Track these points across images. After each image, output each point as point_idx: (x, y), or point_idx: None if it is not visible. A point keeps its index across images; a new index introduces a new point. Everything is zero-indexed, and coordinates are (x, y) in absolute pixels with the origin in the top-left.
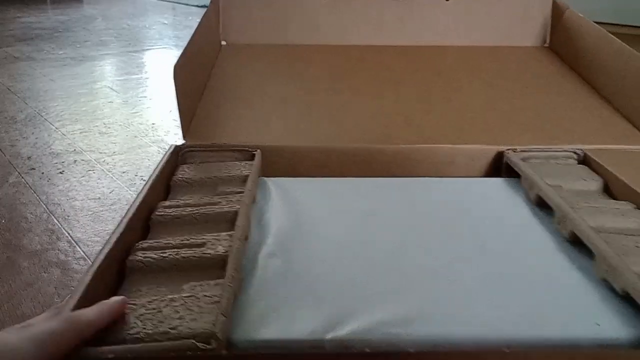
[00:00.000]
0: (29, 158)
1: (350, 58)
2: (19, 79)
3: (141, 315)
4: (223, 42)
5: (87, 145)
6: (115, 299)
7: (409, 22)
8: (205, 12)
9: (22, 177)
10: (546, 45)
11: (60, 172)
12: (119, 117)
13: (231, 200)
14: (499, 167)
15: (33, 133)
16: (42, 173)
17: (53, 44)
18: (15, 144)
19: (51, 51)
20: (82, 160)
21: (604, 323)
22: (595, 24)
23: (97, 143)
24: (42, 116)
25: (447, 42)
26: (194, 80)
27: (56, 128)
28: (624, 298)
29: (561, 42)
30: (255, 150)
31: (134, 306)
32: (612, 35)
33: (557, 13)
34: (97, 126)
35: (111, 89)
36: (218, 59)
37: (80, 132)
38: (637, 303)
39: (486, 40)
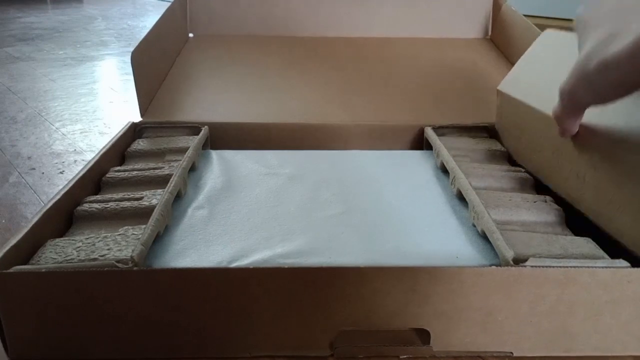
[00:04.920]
0: (29, 158)
1: (303, 48)
2: (19, 79)
3: (78, 247)
4: (190, 34)
5: (88, 145)
6: None
7: (359, 15)
8: (170, 5)
9: (22, 177)
10: (488, 37)
11: (61, 172)
12: (120, 117)
13: (172, 166)
14: (423, 142)
15: (33, 133)
16: (43, 173)
17: (53, 44)
18: (16, 144)
19: (51, 51)
20: (83, 160)
21: (463, 256)
22: (523, 17)
23: (98, 143)
24: (42, 116)
25: (394, 34)
26: (155, 65)
27: (56, 128)
28: (484, 238)
29: (498, 34)
30: (203, 127)
31: (73, 241)
32: (535, 27)
33: (496, 7)
34: (97, 126)
35: (112, 89)
36: (183, 49)
37: (81, 132)
38: (491, 241)
39: (432, 33)
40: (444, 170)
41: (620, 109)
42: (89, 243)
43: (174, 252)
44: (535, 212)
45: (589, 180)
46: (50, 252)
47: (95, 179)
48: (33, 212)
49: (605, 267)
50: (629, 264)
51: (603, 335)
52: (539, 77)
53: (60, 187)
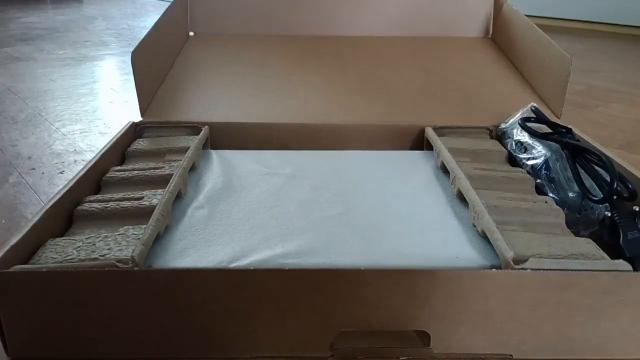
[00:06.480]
0: (29, 158)
1: (304, 47)
2: (19, 79)
3: (78, 247)
4: (191, 33)
5: (88, 145)
6: None
7: (360, 14)
8: (171, 4)
9: (22, 177)
10: (489, 36)
11: (61, 172)
12: (120, 117)
13: (173, 166)
14: (423, 143)
15: (33, 133)
16: (43, 173)
17: (53, 44)
18: (16, 144)
19: (51, 51)
20: (83, 160)
21: (463, 256)
22: (525, 16)
23: (98, 143)
24: (42, 116)
25: (395, 33)
26: (155, 65)
27: (56, 128)
28: (484, 238)
29: (500, 34)
30: (204, 126)
31: (73, 240)
32: (537, 27)
33: (498, 6)
34: (97, 126)
35: (112, 89)
36: (184, 48)
37: (81, 132)
38: (491, 241)
39: (433, 32)
40: (444, 170)
41: None
42: (89, 243)
43: (174, 252)
44: (535, 212)
45: None
46: (51, 251)
47: (95, 178)
48: (33, 212)
49: (606, 269)
50: (629, 265)
51: (603, 339)
52: None
53: (60, 187)
